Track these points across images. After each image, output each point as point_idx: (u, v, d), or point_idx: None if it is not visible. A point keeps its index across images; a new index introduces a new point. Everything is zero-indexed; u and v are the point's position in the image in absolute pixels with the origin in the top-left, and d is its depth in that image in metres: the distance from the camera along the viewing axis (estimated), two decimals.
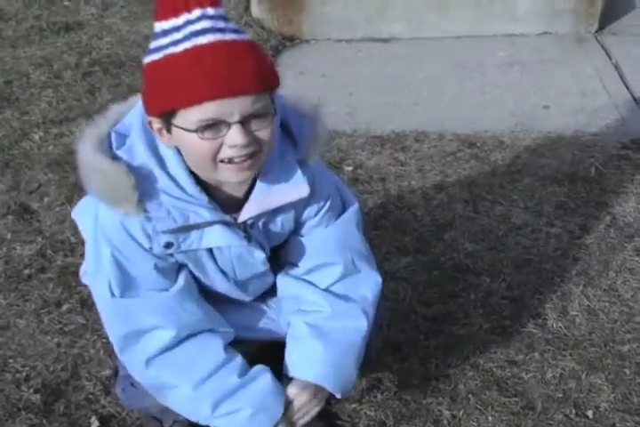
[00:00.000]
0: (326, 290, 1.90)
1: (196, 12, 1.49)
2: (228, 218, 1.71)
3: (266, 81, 1.54)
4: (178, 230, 1.68)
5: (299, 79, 4.06)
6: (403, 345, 2.53)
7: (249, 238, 1.77)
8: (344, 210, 1.91)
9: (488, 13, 4.46)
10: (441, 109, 3.87)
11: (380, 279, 1.96)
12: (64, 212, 3.07)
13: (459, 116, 3.81)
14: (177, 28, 1.50)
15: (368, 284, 1.94)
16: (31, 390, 2.39)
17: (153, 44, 1.54)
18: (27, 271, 2.83)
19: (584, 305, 2.71)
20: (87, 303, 2.68)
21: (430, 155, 3.49)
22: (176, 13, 1.50)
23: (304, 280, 1.91)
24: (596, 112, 3.82)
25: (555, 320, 2.65)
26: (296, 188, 1.72)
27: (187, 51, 1.49)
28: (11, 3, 4.67)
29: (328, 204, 1.85)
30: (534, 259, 2.91)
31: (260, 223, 1.79)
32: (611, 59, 4.28)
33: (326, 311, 1.87)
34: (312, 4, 4.40)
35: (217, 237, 1.72)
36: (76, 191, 3.13)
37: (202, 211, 1.66)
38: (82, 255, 2.84)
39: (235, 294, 1.94)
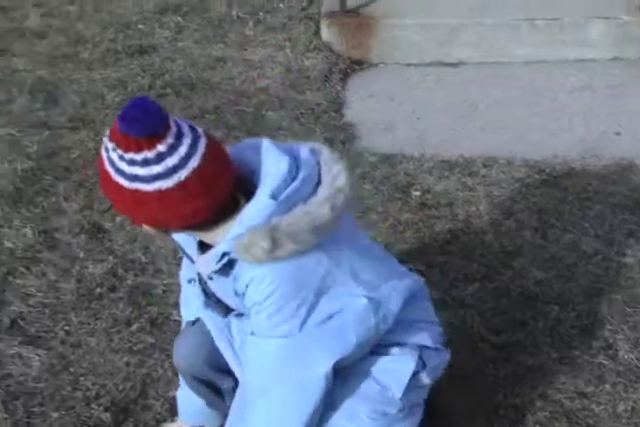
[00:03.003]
0: None
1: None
2: None
3: None
4: None
5: (367, 102, 4.07)
6: (470, 373, 2.51)
7: None
8: None
9: (559, 38, 4.42)
10: (510, 135, 3.85)
11: None
12: (135, 231, 3.13)
13: (528, 141, 3.78)
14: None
15: None
16: (101, 408, 2.43)
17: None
18: (98, 290, 2.88)
19: None
20: (156, 323, 2.72)
21: (499, 180, 3.46)
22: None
23: None
24: None
25: (626, 352, 2.60)
26: None
27: None
28: (89, 27, 4.78)
29: None
30: (605, 288, 2.86)
31: None
32: None
33: None
34: (382, 28, 4.43)
35: None
36: None
37: None
38: (152, 275, 2.91)
39: None
